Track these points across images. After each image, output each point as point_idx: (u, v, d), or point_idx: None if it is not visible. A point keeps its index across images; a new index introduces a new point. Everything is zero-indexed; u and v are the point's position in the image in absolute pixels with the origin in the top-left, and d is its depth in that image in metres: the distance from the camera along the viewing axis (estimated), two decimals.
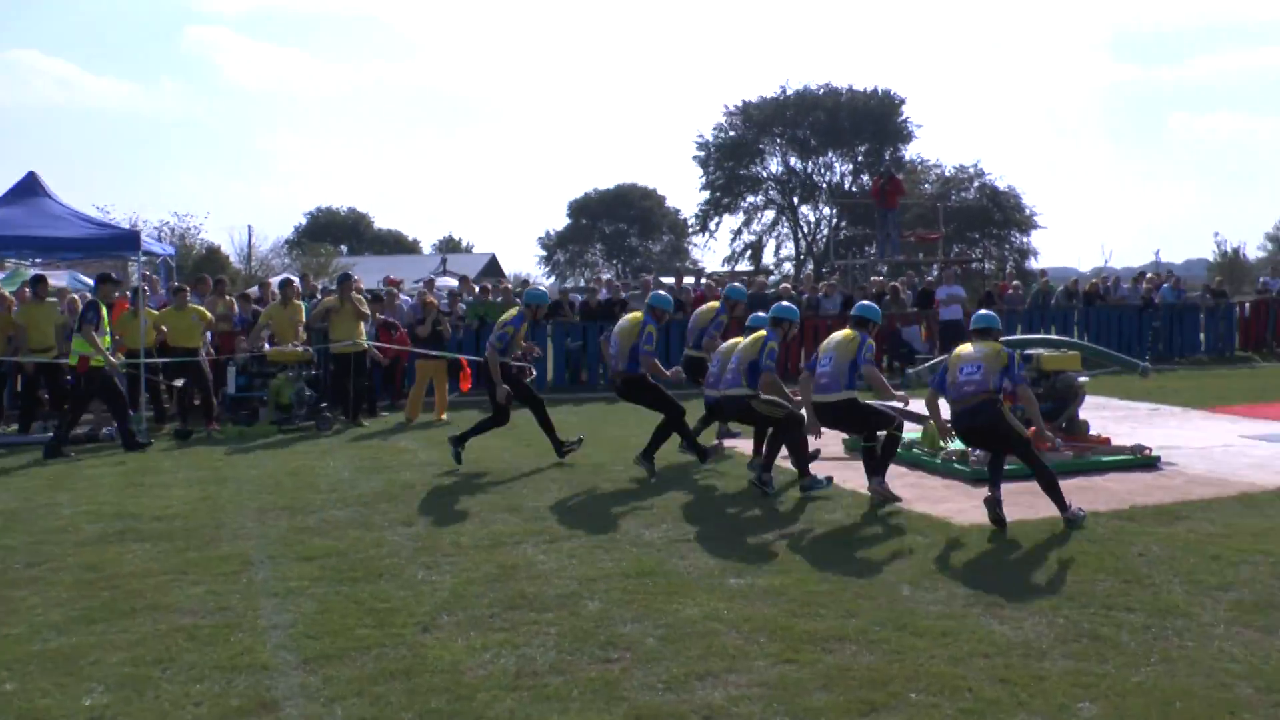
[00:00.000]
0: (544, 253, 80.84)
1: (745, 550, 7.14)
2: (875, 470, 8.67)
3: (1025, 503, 8.54)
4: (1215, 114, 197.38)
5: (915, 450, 10.53)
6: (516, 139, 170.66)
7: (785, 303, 10.14)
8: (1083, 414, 11.38)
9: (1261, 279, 28.32)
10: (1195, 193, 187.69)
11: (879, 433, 8.76)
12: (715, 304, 12.08)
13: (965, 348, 8.08)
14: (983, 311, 8.55)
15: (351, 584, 6.49)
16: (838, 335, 8.92)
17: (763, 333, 9.42)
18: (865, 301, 9.47)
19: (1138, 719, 4.44)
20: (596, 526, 7.89)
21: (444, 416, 14.81)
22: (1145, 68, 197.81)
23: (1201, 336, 23.97)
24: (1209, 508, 8.24)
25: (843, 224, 60.87)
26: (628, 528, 7.84)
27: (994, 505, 7.66)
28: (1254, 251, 74.80)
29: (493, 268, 66.66)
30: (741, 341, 9.58)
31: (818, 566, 6.69)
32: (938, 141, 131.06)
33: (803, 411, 8.87)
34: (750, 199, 67.21)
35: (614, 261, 79.44)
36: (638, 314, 10.57)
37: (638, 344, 10.25)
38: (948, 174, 64.81)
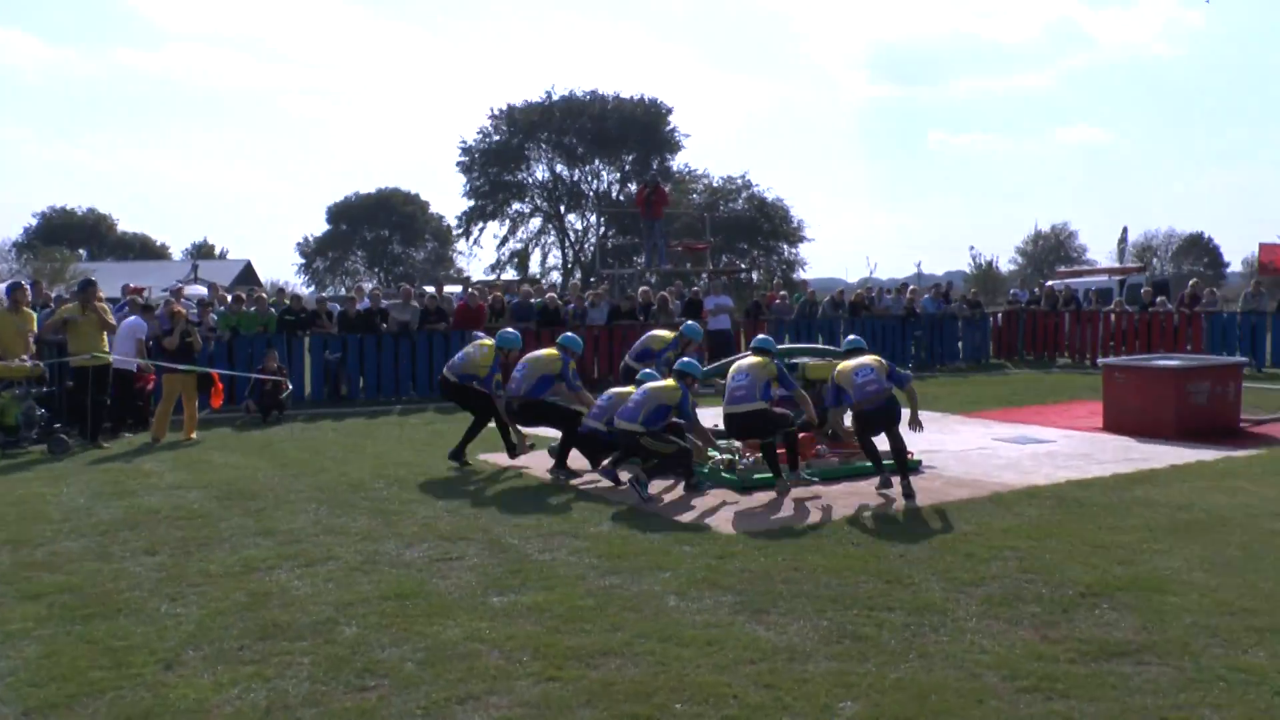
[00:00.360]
0: (302, 260, 78.52)
1: (509, 567, 7.14)
2: (792, 466, 9.87)
3: (790, 508, 8.93)
4: (971, 133, 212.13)
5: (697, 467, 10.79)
6: (274, 139, 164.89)
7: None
8: (847, 421, 11.97)
9: (1012, 290, 30.54)
10: (954, 208, 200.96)
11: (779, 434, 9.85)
12: (670, 334, 12.84)
13: (743, 361, 9.67)
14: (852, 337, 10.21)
15: (85, 622, 6.11)
16: (752, 359, 10.05)
17: (674, 384, 10.17)
18: (762, 335, 10.72)
19: (895, 714, 4.71)
20: (355, 548, 7.73)
21: (193, 435, 14.14)
22: (903, 86, 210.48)
23: (960, 345, 25.65)
24: (964, 508, 8.85)
25: (610, 233, 61.84)
26: (388, 548, 7.71)
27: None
28: (1006, 265, 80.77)
29: (248, 275, 64.22)
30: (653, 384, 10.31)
31: (583, 581, 6.77)
32: (706, 152, 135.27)
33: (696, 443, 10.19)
34: (516, 206, 67.30)
35: (375, 270, 77.88)
36: (553, 351, 11.39)
37: (550, 375, 11.18)
38: (716, 184, 66.85)
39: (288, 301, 19.84)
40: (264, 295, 19.82)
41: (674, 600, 6.33)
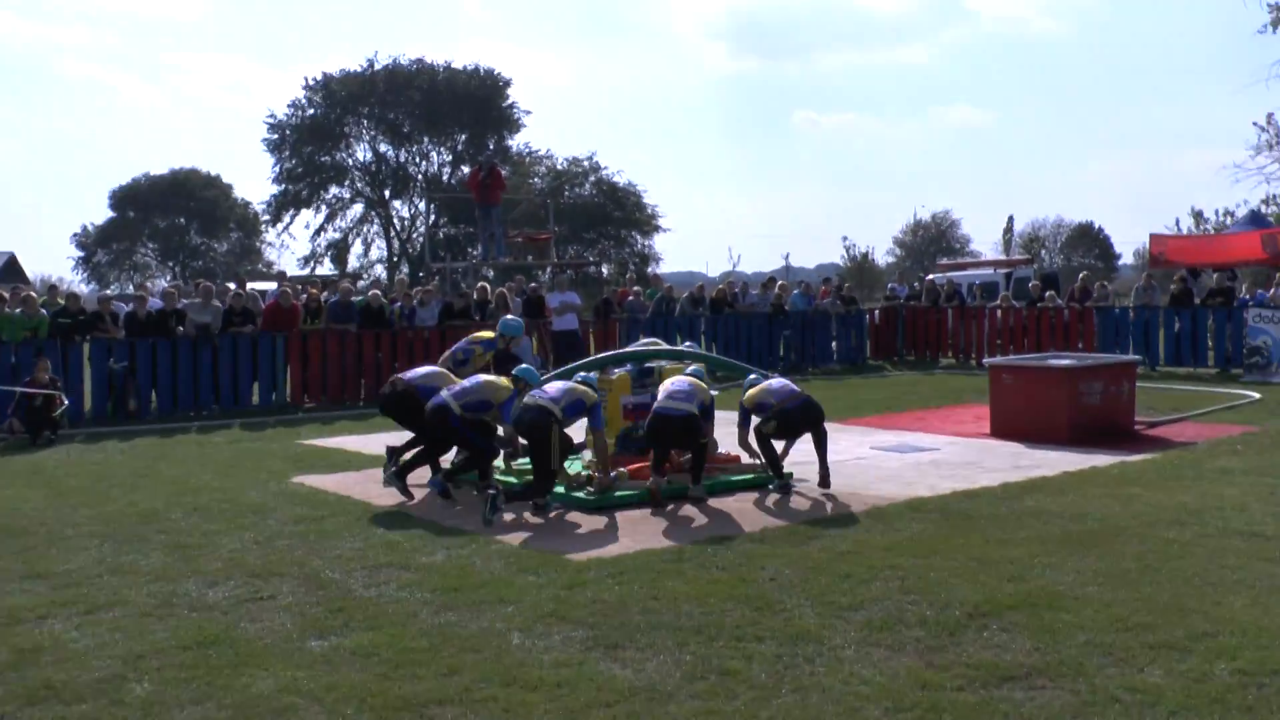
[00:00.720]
0: (80, 253, 75.64)
1: (329, 605, 7.01)
2: (695, 480, 10.36)
3: (648, 530, 8.99)
4: (841, 113, 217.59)
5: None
6: (46, 109, 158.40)
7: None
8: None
9: (890, 285, 31.40)
10: (824, 195, 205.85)
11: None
12: (489, 334, 12.97)
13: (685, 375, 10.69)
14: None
15: None
16: (693, 380, 10.60)
17: (507, 384, 10.63)
18: (695, 367, 11.37)
19: None
20: (147, 590, 7.47)
21: None
22: (767, 60, 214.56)
23: (834, 345, 26.22)
24: (841, 524, 9.05)
25: (442, 221, 61.44)
26: (187, 589, 7.48)
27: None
28: (883, 257, 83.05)
29: (11, 270, 61.70)
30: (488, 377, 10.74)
31: (414, 619, 6.68)
32: (549, 130, 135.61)
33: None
34: (334, 191, 66.32)
35: (170, 264, 75.61)
36: (507, 382, 10.86)
37: (491, 402, 10.62)
38: (560, 167, 67.02)
39: (62, 301, 19.05)
40: (33, 294, 19.00)
41: (518, 638, 6.30)
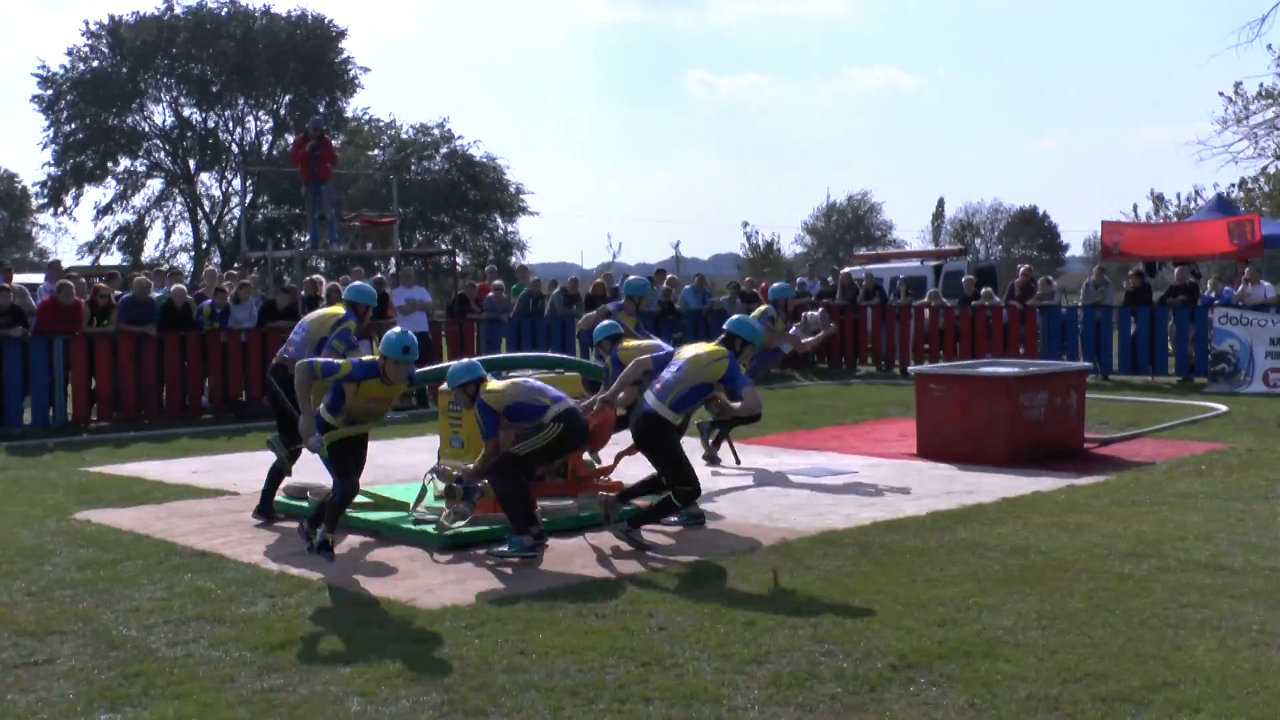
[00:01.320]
0: None
1: (124, 669, 6.89)
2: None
3: (514, 572, 9.00)
4: (742, 74, 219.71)
5: (377, 514, 10.71)
6: None
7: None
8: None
9: (800, 279, 31.73)
10: (720, 172, 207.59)
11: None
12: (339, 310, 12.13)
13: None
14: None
15: None
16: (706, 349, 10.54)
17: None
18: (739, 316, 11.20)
19: None
20: None
21: None
22: (653, 11, 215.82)
23: None
24: (743, 563, 9.15)
25: (262, 201, 60.62)
26: None
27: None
28: (790, 246, 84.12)
29: None
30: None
31: (231, 684, 6.62)
32: (392, 92, 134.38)
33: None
34: (125, 163, 64.94)
35: None
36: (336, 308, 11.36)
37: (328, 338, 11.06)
38: (406, 136, 66.58)
39: None
40: None
41: (359, 703, 6.27)
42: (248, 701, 6.33)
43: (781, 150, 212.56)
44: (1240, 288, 23.73)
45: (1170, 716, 5.89)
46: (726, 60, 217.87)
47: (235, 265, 24.46)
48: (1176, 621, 7.43)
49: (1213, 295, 24.29)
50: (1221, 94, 39.19)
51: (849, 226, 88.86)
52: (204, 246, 64.65)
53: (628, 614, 7.80)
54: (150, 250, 65.17)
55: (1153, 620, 7.46)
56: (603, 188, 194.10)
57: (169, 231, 66.96)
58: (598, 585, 8.54)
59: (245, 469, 14.12)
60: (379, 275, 24.46)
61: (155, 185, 66.10)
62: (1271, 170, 38.93)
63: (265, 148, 65.13)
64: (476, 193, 64.83)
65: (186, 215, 66.21)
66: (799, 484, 12.68)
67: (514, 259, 61.44)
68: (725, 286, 30.06)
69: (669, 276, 27.61)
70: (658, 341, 12.39)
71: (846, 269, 32.45)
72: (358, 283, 12.39)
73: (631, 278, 14.94)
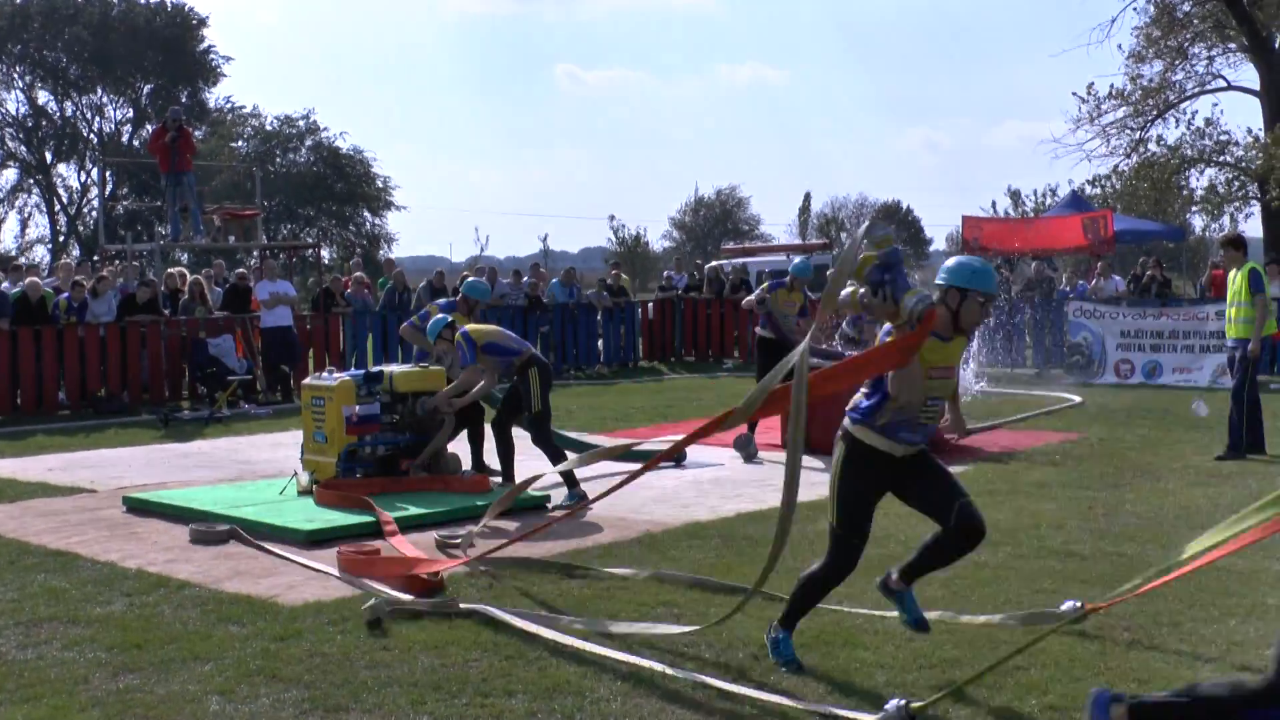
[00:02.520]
0: None
1: None
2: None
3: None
4: (610, 68, 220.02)
5: (239, 510, 10.59)
6: None
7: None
8: (454, 446, 12.14)
9: (666, 273, 31.94)
10: (589, 165, 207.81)
11: None
12: None
13: None
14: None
15: None
16: None
17: None
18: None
19: None
20: None
21: None
22: (522, 2, 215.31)
23: (600, 344, 26.52)
24: (607, 555, 9.21)
25: (122, 193, 59.44)
26: None
27: None
28: (658, 240, 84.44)
29: None
30: None
31: (84, 685, 6.50)
32: (255, 82, 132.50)
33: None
34: None
35: None
36: None
37: None
38: (270, 127, 65.76)
39: None
40: None
41: (217, 702, 6.20)
42: (101, 703, 6.22)
43: (650, 144, 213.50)
44: (1093, 282, 24.34)
45: (1020, 699, 6.04)
46: (595, 54, 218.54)
47: (94, 259, 23.92)
48: (1028, 607, 7.61)
49: (1068, 289, 24.89)
50: (1075, 94, 40.10)
51: (717, 220, 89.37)
52: (61, 239, 63.28)
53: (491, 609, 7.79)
54: (5, 241, 63.68)
55: (1006, 606, 7.65)
56: (471, 181, 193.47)
57: (24, 223, 65.50)
58: (461, 579, 8.51)
59: (102, 466, 13.88)
60: (241, 269, 24.05)
61: (9, 175, 64.62)
62: (1123, 168, 39.91)
63: (125, 138, 63.90)
64: (343, 185, 64.31)
65: (43, 207, 64.75)
66: (664, 477, 12.75)
67: (381, 252, 60.95)
68: (595, 280, 30.10)
69: (537, 268, 27.63)
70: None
71: (714, 263, 32.66)
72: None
73: (470, 279, 14.92)
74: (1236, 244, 14.10)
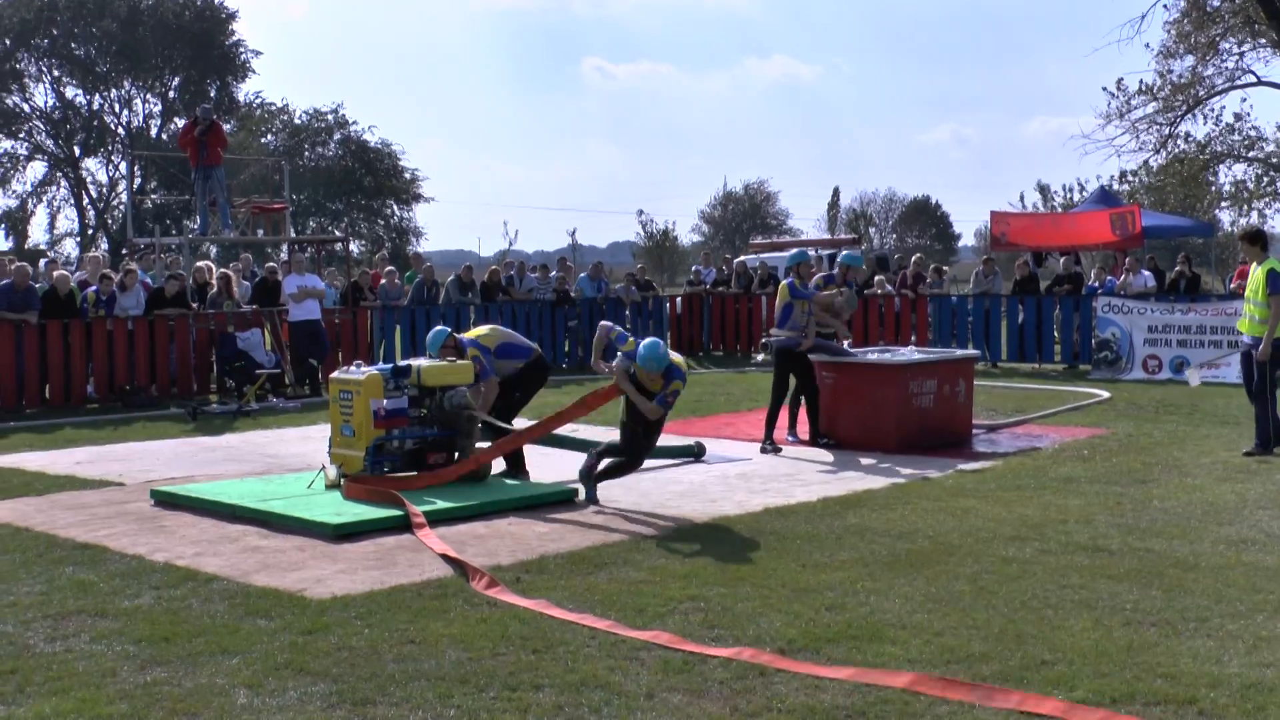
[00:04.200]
0: None
1: None
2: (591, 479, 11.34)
3: (405, 560, 8.98)
4: (638, 62, 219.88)
5: (267, 504, 10.62)
6: None
7: None
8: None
9: (695, 267, 31.92)
10: (618, 160, 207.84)
11: None
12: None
13: None
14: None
15: None
16: None
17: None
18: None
19: None
20: None
21: None
22: None
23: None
24: (634, 549, 9.20)
25: (151, 186, 59.69)
26: None
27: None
28: (687, 234, 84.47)
29: None
30: None
31: (113, 678, 6.52)
32: (284, 76, 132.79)
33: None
34: (5, 145, 63.59)
35: None
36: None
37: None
38: (299, 122, 65.91)
39: None
40: None
41: (245, 695, 6.22)
42: (129, 696, 6.25)
43: (679, 138, 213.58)
44: (1122, 277, 24.23)
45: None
46: (623, 48, 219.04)
47: (123, 252, 24.06)
48: (1056, 602, 7.60)
49: (1096, 285, 24.78)
50: (1105, 89, 39.98)
51: (745, 215, 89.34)
52: (91, 232, 63.55)
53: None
54: (36, 235, 64.02)
55: (1033, 602, 7.63)
56: (499, 174, 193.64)
57: (53, 217, 65.80)
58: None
59: (130, 459, 13.94)
60: (271, 263, 24.14)
61: (37, 169, 64.88)
62: (1152, 163, 39.79)
63: (154, 132, 64.08)
64: (371, 179, 64.38)
65: (71, 200, 65.03)
66: (691, 471, 12.75)
67: (410, 246, 61.07)
68: (623, 275, 30.09)
69: (565, 262, 27.65)
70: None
71: (741, 257, 32.61)
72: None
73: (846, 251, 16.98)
74: (1254, 238, 14.01)
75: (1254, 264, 13.71)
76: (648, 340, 11.21)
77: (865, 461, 13.11)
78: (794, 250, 16.23)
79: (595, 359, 12.09)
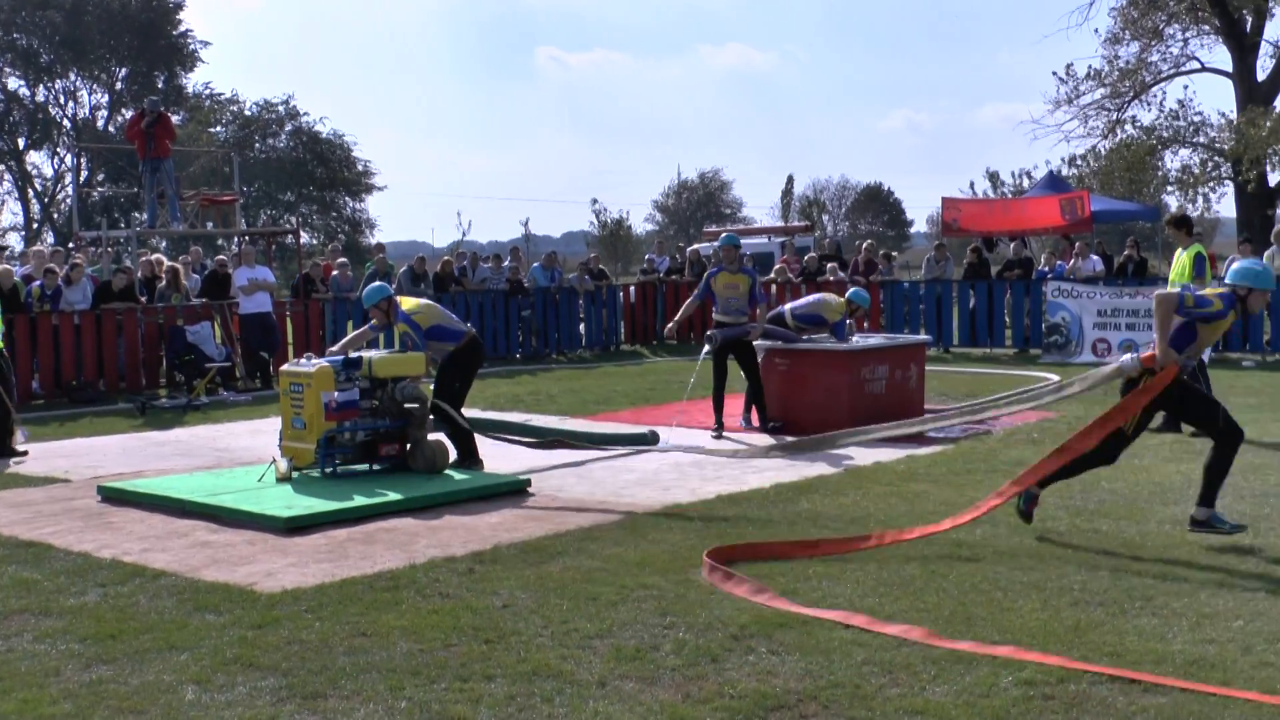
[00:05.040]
0: None
1: None
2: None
3: (356, 553, 8.94)
4: (592, 50, 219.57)
5: (217, 498, 10.56)
6: None
7: None
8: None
9: (649, 256, 31.92)
10: (571, 149, 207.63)
11: None
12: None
13: None
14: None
15: None
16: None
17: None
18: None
19: None
20: None
21: None
22: None
23: (582, 327, 26.53)
24: (587, 538, 9.19)
25: (97, 179, 59.16)
26: None
27: None
28: (641, 223, 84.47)
29: None
30: None
31: (57, 677, 6.47)
32: (233, 67, 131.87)
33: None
34: None
35: None
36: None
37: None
38: (249, 113, 65.54)
39: None
40: None
41: (193, 691, 6.17)
42: (73, 695, 6.18)
43: (633, 127, 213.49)
44: (1071, 262, 24.39)
45: (995, 674, 6.06)
46: (578, 36, 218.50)
47: (70, 246, 23.80)
48: (1005, 584, 7.66)
49: (1046, 270, 24.94)
50: (1055, 74, 40.23)
51: (700, 203, 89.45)
52: (36, 226, 62.99)
53: (471, 592, 7.79)
54: None
55: (983, 584, 7.68)
56: (453, 165, 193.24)
57: None
58: (440, 565, 8.51)
59: (77, 455, 13.83)
60: (221, 256, 23.94)
61: None
62: (1100, 149, 40.09)
63: (101, 123, 63.55)
64: (323, 171, 64.09)
65: (16, 193, 64.42)
66: (646, 459, 12.75)
67: (362, 237, 60.85)
68: (577, 265, 30.06)
69: (518, 253, 27.59)
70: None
71: (695, 246, 32.63)
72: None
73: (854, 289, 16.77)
74: (1179, 224, 14.16)
75: (1179, 249, 13.91)
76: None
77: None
78: (723, 234, 16.31)
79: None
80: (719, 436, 14.12)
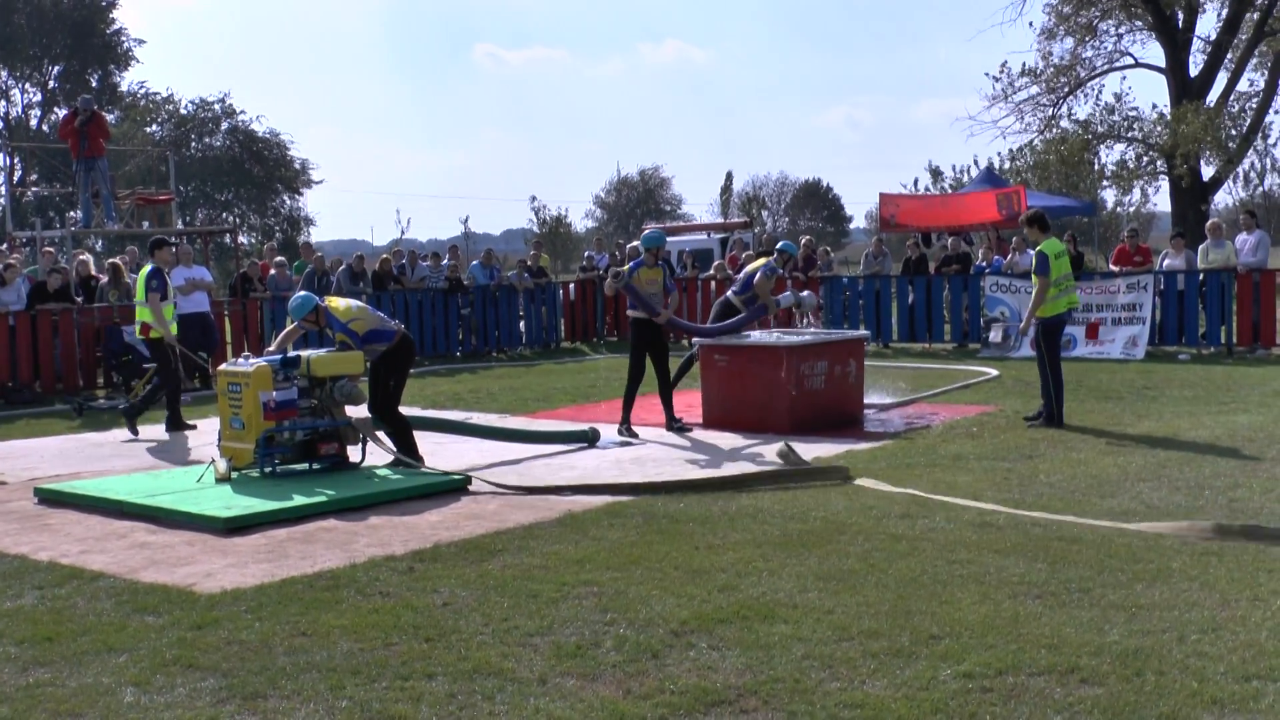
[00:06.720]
0: None
1: None
2: None
3: (296, 553, 8.91)
4: (530, 47, 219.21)
5: (156, 499, 10.48)
6: None
7: None
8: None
9: (588, 253, 31.89)
10: (510, 147, 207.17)
11: None
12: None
13: None
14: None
15: None
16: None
17: None
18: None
19: None
20: None
21: None
22: None
23: (522, 325, 26.50)
24: (527, 535, 9.20)
25: (32, 179, 58.42)
26: None
27: None
28: (580, 220, 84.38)
29: None
30: None
31: None
32: (168, 65, 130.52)
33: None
34: None
35: None
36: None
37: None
38: (185, 111, 64.98)
39: None
40: None
41: (132, 694, 6.14)
42: (9, 699, 6.13)
43: (572, 124, 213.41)
44: (1009, 257, 24.59)
45: (934, 668, 6.11)
46: (516, 34, 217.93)
47: (3, 246, 23.51)
48: (944, 578, 7.71)
49: (984, 265, 25.12)
50: (988, 74, 40.58)
51: (639, 200, 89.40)
52: None
53: (411, 591, 7.78)
54: None
55: (923, 578, 7.73)
56: (392, 163, 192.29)
57: None
58: (380, 564, 8.49)
59: (13, 457, 13.70)
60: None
61: None
62: (1035, 144, 40.42)
63: (34, 122, 62.84)
64: (260, 169, 63.64)
65: None
66: (584, 456, 12.77)
67: (300, 236, 60.47)
68: (516, 262, 30.01)
69: (456, 251, 27.50)
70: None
71: (635, 243, 32.64)
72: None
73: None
74: (1032, 221, 14.31)
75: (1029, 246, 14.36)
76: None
77: (758, 444, 13.19)
78: (650, 230, 16.44)
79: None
80: (624, 434, 14.12)
